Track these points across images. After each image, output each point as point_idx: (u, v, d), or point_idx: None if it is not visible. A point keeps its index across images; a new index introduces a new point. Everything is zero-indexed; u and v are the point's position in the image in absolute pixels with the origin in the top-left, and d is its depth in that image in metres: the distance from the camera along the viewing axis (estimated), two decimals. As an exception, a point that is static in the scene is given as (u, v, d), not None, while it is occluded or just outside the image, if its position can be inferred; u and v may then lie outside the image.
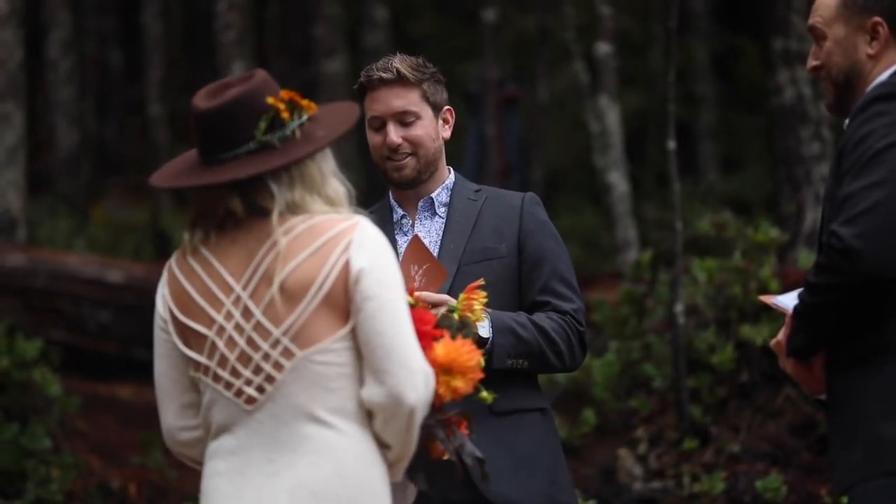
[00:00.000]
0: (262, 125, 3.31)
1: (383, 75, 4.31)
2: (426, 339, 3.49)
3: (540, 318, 4.25)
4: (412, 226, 4.39)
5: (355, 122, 3.42)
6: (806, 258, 8.38)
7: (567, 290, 4.31)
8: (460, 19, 22.27)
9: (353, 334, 3.32)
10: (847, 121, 3.65)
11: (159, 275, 3.49)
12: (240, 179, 3.27)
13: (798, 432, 7.41)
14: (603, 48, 11.47)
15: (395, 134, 4.31)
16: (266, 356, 3.30)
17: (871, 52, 3.71)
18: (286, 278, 3.28)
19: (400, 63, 4.33)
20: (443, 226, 4.37)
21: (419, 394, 3.30)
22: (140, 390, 10.28)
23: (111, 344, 10.51)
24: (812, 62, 3.79)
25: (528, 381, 4.33)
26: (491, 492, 4.17)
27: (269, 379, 3.30)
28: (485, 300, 3.96)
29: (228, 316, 3.33)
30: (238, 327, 3.32)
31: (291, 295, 3.29)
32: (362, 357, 3.32)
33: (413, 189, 4.38)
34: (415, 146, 4.32)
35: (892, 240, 3.42)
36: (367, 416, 3.34)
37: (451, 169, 4.49)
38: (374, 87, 4.34)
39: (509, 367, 4.20)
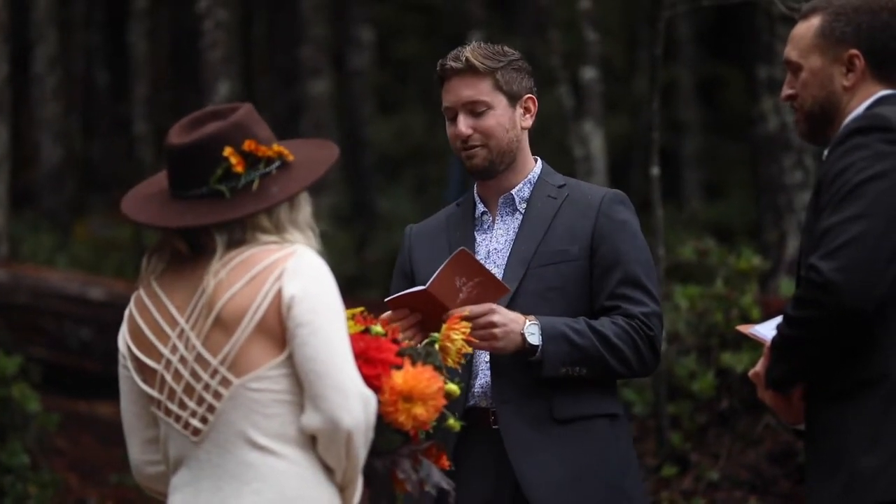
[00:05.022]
0: (219, 172, 3.33)
1: (453, 64, 4.24)
2: (384, 367, 3.47)
3: (603, 323, 4.12)
4: (493, 223, 4.29)
5: (319, 178, 3.39)
6: (788, 286, 8.39)
7: (640, 293, 4.16)
8: (446, 41, 22.32)
9: (291, 362, 3.32)
10: (825, 153, 3.65)
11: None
12: (170, 227, 3.33)
13: (777, 460, 7.42)
14: (588, 73, 11.50)
15: (463, 124, 4.21)
16: (206, 386, 3.32)
17: (846, 84, 3.70)
18: (222, 308, 3.30)
19: (471, 52, 4.24)
20: (519, 225, 4.26)
21: (355, 417, 3.30)
22: (120, 409, 10.23)
23: (92, 361, 10.47)
24: (787, 91, 3.79)
25: (598, 386, 4.17)
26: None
27: (211, 409, 3.32)
28: (467, 330, 3.87)
29: (174, 349, 3.35)
30: (182, 360, 3.34)
31: (227, 324, 3.30)
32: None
33: (492, 179, 4.27)
34: (486, 136, 4.21)
35: (872, 274, 3.42)
36: (312, 439, 3.35)
37: (539, 159, 4.36)
38: (447, 78, 4.26)
39: (564, 375, 4.09)
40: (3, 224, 11.30)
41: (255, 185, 3.34)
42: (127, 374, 3.46)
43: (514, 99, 4.27)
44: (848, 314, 3.42)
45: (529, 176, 4.31)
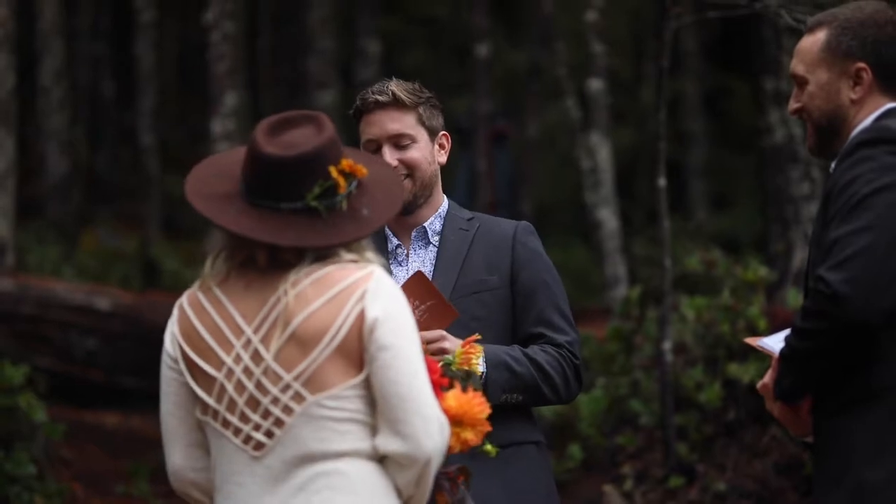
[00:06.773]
0: (316, 190, 3.27)
1: (379, 98, 4.28)
2: (436, 388, 3.45)
3: (534, 351, 4.20)
4: (407, 255, 4.34)
5: (402, 203, 3.39)
6: (794, 297, 8.39)
7: (562, 321, 4.26)
8: (452, 54, 22.34)
9: (366, 383, 3.28)
10: (833, 165, 3.66)
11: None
12: (277, 244, 3.25)
13: (784, 472, 7.41)
14: (595, 84, 11.50)
15: (390, 156, 4.25)
16: (275, 400, 3.25)
17: (854, 97, 3.72)
18: (300, 324, 3.24)
19: (396, 86, 4.30)
20: (435, 256, 4.32)
21: (435, 442, 3.27)
22: (126, 419, 10.26)
23: (97, 372, 10.48)
24: (794, 105, 3.81)
25: (522, 413, 4.28)
26: None
27: (278, 423, 3.26)
28: (482, 354, 3.93)
29: (238, 359, 3.28)
30: (247, 371, 3.27)
31: (305, 341, 3.25)
32: (376, 406, 3.28)
33: (409, 215, 4.33)
34: (411, 169, 4.27)
35: (880, 285, 3.43)
36: (381, 459, 3.31)
37: (445, 196, 4.44)
38: (369, 111, 4.30)
39: (503, 402, 4.14)
40: (10, 235, 11.32)
41: (344, 205, 3.30)
42: (175, 377, 3.36)
43: (433, 134, 4.35)
44: (855, 325, 3.42)
45: (440, 210, 4.39)
